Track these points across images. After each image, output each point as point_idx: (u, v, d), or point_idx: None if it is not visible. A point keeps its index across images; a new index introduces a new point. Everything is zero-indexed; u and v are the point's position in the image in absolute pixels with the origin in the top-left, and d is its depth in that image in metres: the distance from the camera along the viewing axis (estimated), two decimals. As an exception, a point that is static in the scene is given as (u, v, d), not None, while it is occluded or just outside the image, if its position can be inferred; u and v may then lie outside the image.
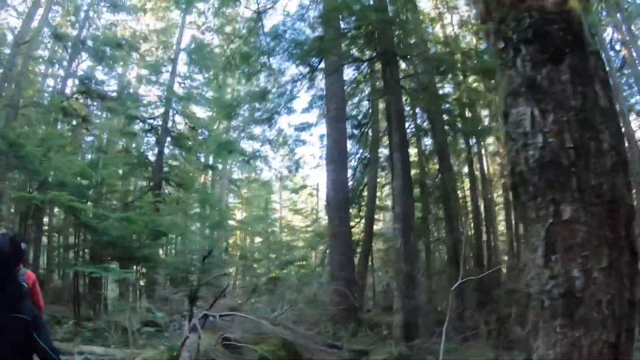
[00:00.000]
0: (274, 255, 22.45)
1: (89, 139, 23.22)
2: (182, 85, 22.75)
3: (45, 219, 20.56)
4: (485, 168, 20.70)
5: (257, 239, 28.90)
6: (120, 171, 18.75)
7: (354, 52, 14.94)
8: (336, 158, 15.17)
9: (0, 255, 2.52)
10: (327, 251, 17.23)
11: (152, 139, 22.51)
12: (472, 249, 17.51)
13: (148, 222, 15.26)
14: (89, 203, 14.81)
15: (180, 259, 17.80)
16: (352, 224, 17.20)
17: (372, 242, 19.87)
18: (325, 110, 17.60)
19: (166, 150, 21.99)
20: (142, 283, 18.26)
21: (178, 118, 22.75)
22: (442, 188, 17.17)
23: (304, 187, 28.76)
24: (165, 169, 21.26)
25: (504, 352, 10.25)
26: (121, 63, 22.93)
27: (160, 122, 21.70)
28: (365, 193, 20.38)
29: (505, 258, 20.59)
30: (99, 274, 13.30)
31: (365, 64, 15.51)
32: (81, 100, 21.88)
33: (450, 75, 15.45)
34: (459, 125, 16.74)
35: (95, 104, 22.10)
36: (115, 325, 11.93)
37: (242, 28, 18.38)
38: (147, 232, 15.69)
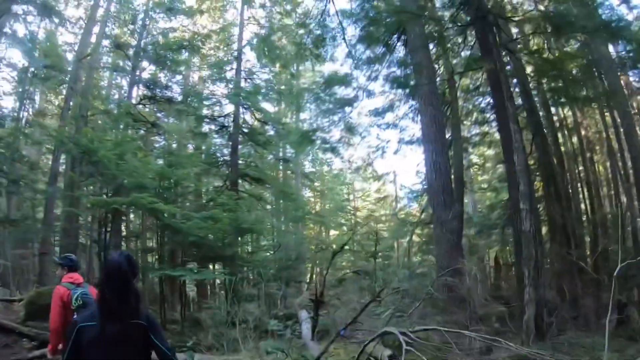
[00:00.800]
0: (356, 248, 20.70)
1: (159, 144, 22.60)
2: (249, 80, 21.49)
3: (122, 225, 19.87)
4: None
5: (332, 232, 27.42)
6: (194, 172, 17.47)
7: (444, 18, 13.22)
8: (434, 137, 13.30)
9: (121, 272, 2.65)
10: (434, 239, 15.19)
11: (224, 138, 21.50)
12: (587, 230, 15.28)
13: (232, 220, 13.96)
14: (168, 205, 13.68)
15: (268, 256, 16.42)
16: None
17: (463, 227, 17.94)
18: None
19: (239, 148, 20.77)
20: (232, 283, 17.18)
21: (248, 116, 21.67)
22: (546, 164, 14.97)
23: (379, 176, 26.89)
24: (240, 166, 20.04)
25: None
26: (183, 66, 22.30)
27: (232, 120, 20.53)
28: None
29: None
30: (188, 276, 12.06)
31: (457, 31, 13.60)
32: (148, 107, 21.24)
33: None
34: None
35: (162, 110, 21.43)
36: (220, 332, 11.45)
37: (310, 10, 17.07)
38: (231, 230, 14.41)
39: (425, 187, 16.53)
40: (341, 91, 16.26)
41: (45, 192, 17.37)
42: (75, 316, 3.69)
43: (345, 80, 15.45)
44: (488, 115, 17.41)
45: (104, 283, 2.69)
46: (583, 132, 16.66)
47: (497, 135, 16.15)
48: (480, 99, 17.74)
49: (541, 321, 9.81)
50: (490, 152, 20.97)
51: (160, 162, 15.89)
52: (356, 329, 9.62)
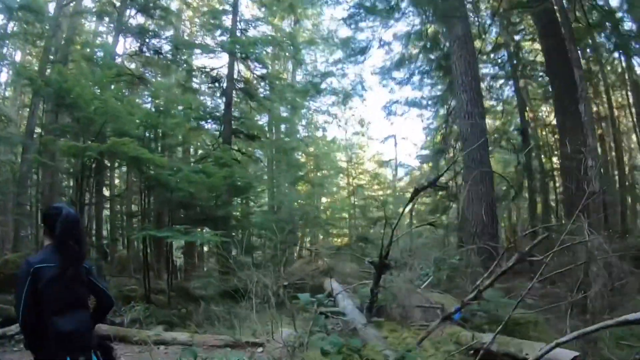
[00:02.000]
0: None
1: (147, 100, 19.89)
2: (245, 33, 18.85)
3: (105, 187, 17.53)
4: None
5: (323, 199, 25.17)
6: (184, 124, 14.93)
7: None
8: (469, 85, 11.16)
9: (76, 220, 2.94)
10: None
11: (216, 93, 19.03)
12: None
13: (227, 175, 11.63)
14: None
15: (269, 217, 14.08)
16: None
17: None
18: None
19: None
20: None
21: (243, 70, 19.08)
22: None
23: (385, 138, 24.54)
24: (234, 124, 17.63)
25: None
26: (174, 17, 19.45)
27: (225, 73, 18.02)
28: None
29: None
30: (176, 238, 9.79)
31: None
32: (134, 62, 18.60)
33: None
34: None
35: (149, 65, 18.72)
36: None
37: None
38: (226, 187, 12.14)
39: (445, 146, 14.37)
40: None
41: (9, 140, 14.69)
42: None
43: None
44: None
45: (65, 233, 2.81)
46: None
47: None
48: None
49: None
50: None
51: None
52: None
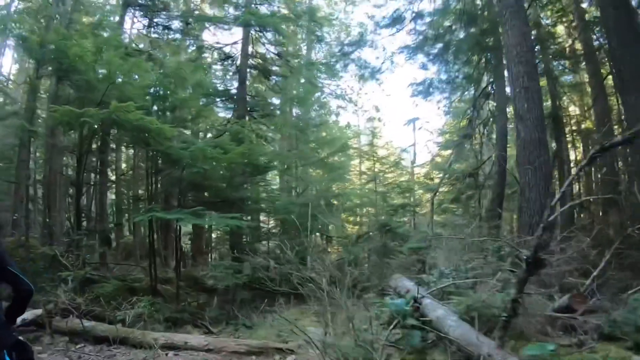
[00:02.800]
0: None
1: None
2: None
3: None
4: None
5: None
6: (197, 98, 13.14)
7: None
8: (524, 57, 9.46)
9: None
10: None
11: (230, 70, 17.33)
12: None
13: (247, 153, 10.00)
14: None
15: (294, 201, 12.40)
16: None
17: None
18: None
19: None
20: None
21: (259, 47, 17.42)
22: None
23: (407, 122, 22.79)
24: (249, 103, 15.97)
25: None
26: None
27: (239, 50, 16.35)
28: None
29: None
30: (187, 221, 8.20)
31: None
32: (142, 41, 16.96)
33: None
34: None
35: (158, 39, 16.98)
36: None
37: None
38: (243, 166, 10.55)
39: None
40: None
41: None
42: None
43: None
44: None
45: None
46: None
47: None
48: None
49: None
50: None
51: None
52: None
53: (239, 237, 13.31)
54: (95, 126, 8.96)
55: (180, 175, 9.94)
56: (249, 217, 12.66)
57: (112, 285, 8.30)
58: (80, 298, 6.81)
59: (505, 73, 12.95)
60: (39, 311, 6.76)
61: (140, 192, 16.86)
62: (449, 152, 19.41)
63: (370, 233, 16.72)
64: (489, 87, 16.52)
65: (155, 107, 10.44)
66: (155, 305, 7.63)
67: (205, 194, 11.81)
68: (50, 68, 10.28)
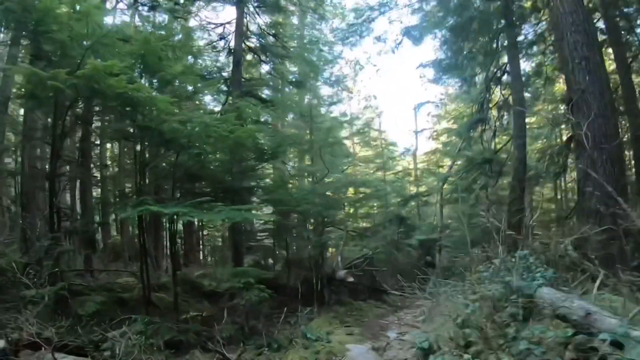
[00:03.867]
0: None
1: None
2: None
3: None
4: None
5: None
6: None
7: None
8: (582, 27, 7.76)
9: None
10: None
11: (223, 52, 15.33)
12: None
13: (253, 135, 8.03)
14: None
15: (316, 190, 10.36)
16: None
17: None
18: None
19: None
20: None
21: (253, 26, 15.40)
22: None
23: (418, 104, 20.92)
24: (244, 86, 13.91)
25: None
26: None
27: (233, 29, 14.35)
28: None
29: None
30: (191, 216, 6.15)
31: None
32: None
33: None
34: None
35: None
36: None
37: None
38: (250, 151, 8.59)
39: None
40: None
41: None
42: None
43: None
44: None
45: None
46: None
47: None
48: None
49: None
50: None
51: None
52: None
53: (240, 233, 11.41)
54: (69, 101, 6.85)
55: (174, 161, 7.96)
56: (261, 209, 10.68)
57: (96, 304, 6.29)
58: (51, 326, 4.80)
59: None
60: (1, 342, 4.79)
61: (128, 186, 14.83)
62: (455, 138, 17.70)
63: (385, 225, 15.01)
64: (502, 70, 14.91)
65: (143, 81, 8.38)
66: (152, 324, 5.68)
67: (202, 184, 9.84)
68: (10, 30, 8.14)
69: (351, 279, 10.47)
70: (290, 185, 10.51)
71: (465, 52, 13.48)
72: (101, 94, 6.14)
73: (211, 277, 12.13)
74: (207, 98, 15.65)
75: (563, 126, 16.37)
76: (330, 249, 11.41)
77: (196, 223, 15.25)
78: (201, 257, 17.75)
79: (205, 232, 17.82)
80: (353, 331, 7.54)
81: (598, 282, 5.31)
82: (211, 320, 7.20)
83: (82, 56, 6.55)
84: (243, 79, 14.13)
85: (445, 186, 16.16)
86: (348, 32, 15.46)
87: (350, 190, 14.41)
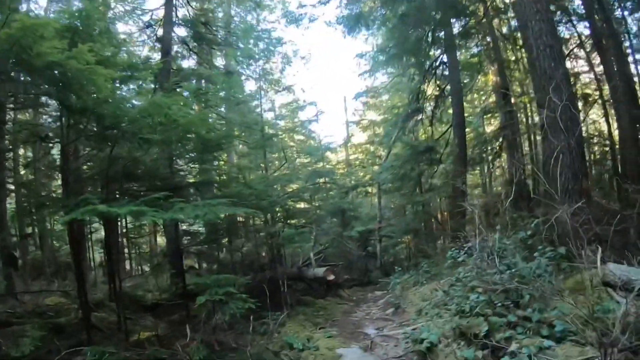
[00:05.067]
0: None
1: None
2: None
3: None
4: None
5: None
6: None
7: None
8: (545, 18, 7.46)
9: None
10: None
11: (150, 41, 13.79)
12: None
13: (197, 122, 6.82)
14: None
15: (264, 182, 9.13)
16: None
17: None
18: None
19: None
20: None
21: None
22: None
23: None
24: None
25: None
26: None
27: (162, 16, 12.88)
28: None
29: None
30: (155, 215, 4.80)
31: None
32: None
33: None
34: None
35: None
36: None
37: None
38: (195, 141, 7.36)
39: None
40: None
41: None
42: None
43: None
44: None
45: None
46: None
47: None
48: None
49: None
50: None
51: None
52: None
53: (179, 236, 10.08)
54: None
55: (109, 155, 6.57)
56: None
57: (34, 340, 4.84)
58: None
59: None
60: None
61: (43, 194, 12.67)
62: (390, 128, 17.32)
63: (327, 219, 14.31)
64: (438, 61, 14.78)
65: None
66: (104, 355, 4.42)
67: (137, 184, 8.40)
68: None
69: (332, 277, 9.58)
70: (242, 179, 9.31)
71: (405, 43, 13.00)
72: (27, 64, 4.67)
73: (145, 288, 10.74)
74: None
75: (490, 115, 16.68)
76: (294, 246, 10.40)
77: (119, 229, 13.59)
78: (128, 267, 15.95)
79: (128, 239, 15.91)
80: (331, 333, 6.68)
81: (599, 255, 4.91)
82: (169, 340, 6.00)
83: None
84: (172, 70, 12.72)
85: (382, 175, 15.72)
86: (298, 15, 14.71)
87: (294, 185, 13.42)
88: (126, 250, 15.36)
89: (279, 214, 8.97)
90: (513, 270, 5.26)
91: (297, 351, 5.42)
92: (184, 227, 11.17)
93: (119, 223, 13.53)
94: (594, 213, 5.94)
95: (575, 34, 13.13)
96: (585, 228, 5.03)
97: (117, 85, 6.98)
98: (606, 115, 12.34)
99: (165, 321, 7.69)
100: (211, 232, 9.89)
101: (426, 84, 15.04)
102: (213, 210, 5.02)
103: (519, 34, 13.36)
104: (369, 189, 18.43)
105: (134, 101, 6.48)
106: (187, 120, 6.04)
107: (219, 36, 13.86)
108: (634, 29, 11.97)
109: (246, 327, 6.17)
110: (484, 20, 13.33)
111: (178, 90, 11.00)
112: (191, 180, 8.48)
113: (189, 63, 14.68)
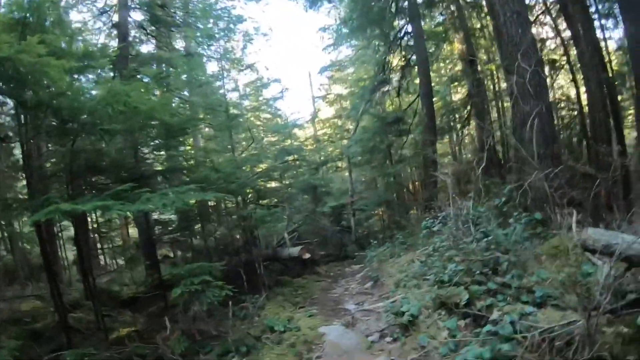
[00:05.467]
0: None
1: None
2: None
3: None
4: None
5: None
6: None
7: None
8: None
9: None
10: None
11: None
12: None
13: (168, 104, 6.54)
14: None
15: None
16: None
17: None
18: None
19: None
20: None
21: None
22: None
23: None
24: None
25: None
26: None
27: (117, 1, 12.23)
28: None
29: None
30: (121, 209, 4.52)
31: None
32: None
33: None
34: None
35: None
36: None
37: None
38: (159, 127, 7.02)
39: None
40: None
41: None
42: None
43: None
44: None
45: None
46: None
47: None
48: None
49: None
50: None
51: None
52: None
53: (150, 226, 9.81)
54: None
55: (70, 149, 6.22)
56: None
57: (11, 350, 4.56)
58: None
59: None
60: None
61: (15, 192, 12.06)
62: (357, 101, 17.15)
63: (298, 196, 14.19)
64: (403, 31, 14.62)
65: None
66: (85, 356, 4.24)
67: (102, 176, 8.03)
68: None
69: (308, 255, 9.46)
70: (209, 162, 9.00)
71: (369, 13, 12.77)
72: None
73: (121, 283, 10.48)
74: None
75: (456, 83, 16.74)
76: (267, 226, 10.21)
77: (89, 225, 13.16)
78: (103, 262, 15.55)
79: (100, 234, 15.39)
80: (312, 312, 6.64)
81: (574, 219, 4.99)
82: (149, 334, 5.84)
83: None
84: (131, 56, 12.16)
85: (352, 149, 15.65)
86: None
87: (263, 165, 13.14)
88: (99, 245, 14.97)
89: (249, 196, 8.76)
90: (489, 237, 5.28)
91: (279, 333, 5.36)
92: (155, 217, 10.89)
93: (89, 219, 13.15)
94: (567, 177, 6.04)
95: (541, 1, 13.20)
96: (561, 192, 5.08)
97: (75, 76, 6.69)
98: (574, 80, 12.49)
99: (145, 314, 7.53)
100: (183, 219, 9.63)
101: (391, 55, 14.93)
102: (181, 198, 4.83)
103: (483, 2, 13.47)
104: (339, 164, 18.33)
105: (93, 92, 6.07)
106: (148, 106, 5.75)
107: (177, 18, 13.28)
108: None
109: (226, 313, 6.05)
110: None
111: (138, 76, 10.56)
112: (158, 168, 8.16)
113: (147, 48, 14.12)
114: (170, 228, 10.60)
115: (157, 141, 8.03)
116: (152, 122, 6.88)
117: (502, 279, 4.56)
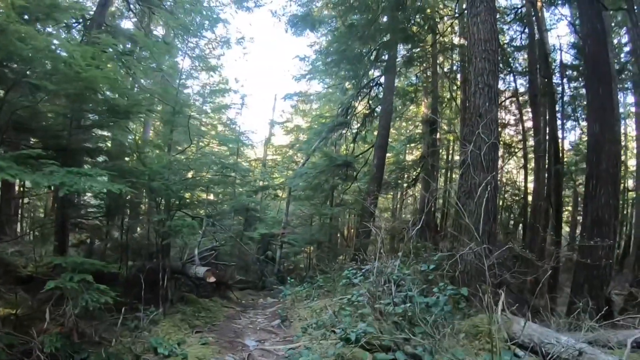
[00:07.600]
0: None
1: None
2: None
3: None
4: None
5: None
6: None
7: None
8: (492, 58, 7.46)
9: None
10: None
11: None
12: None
13: (112, 78, 5.93)
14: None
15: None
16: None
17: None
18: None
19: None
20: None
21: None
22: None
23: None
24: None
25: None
26: None
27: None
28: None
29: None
30: (12, 174, 3.83)
31: None
32: None
33: None
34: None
35: None
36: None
37: None
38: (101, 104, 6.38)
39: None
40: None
41: None
42: None
43: None
44: None
45: None
46: None
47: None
48: None
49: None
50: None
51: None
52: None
53: (69, 206, 8.78)
54: None
55: (2, 99, 5.45)
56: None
57: None
58: None
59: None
60: None
61: None
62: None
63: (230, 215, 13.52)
64: (376, 81, 14.76)
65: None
66: None
67: (31, 139, 7.20)
68: None
69: (213, 279, 8.71)
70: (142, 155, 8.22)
71: (347, 51, 12.74)
72: None
73: (29, 257, 9.29)
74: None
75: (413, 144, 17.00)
76: (185, 238, 9.46)
77: (17, 187, 11.80)
78: (19, 230, 13.92)
79: (26, 200, 13.89)
80: (208, 339, 6.01)
81: (501, 300, 4.77)
82: (29, 322, 5.00)
83: None
84: (106, 25, 11.34)
85: (295, 181, 15.30)
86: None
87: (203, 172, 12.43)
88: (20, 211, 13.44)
89: (172, 200, 8.07)
90: (408, 304, 4.95)
91: (161, 357, 4.71)
92: (85, 198, 9.91)
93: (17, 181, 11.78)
94: (502, 257, 5.91)
95: (510, 89, 13.82)
96: (493, 272, 4.89)
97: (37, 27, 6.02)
98: (525, 167, 13.04)
99: (36, 298, 6.54)
100: (113, 207, 8.69)
101: (358, 101, 14.96)
102: (76, 182, 4.17)
103: (458, 75, 13.91)
104: (280, 193, 17.90)
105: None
106: (89, 74, 5.14)
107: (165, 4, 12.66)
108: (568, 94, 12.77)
109: (117, 320, 5.34)
110: (430, 49, 13.52)
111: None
112: (88, 145, 7.37)
113: (126, 25, 13.41)
114: (92, 211, 9.61)
115: (96, 117, 7.29)
116: (93, 94, 6.25)
117: (414, 351, 4.22)
